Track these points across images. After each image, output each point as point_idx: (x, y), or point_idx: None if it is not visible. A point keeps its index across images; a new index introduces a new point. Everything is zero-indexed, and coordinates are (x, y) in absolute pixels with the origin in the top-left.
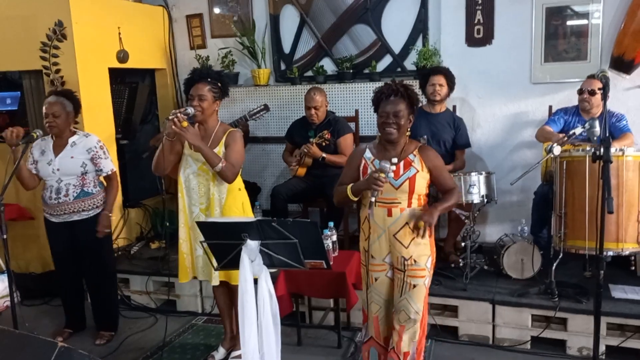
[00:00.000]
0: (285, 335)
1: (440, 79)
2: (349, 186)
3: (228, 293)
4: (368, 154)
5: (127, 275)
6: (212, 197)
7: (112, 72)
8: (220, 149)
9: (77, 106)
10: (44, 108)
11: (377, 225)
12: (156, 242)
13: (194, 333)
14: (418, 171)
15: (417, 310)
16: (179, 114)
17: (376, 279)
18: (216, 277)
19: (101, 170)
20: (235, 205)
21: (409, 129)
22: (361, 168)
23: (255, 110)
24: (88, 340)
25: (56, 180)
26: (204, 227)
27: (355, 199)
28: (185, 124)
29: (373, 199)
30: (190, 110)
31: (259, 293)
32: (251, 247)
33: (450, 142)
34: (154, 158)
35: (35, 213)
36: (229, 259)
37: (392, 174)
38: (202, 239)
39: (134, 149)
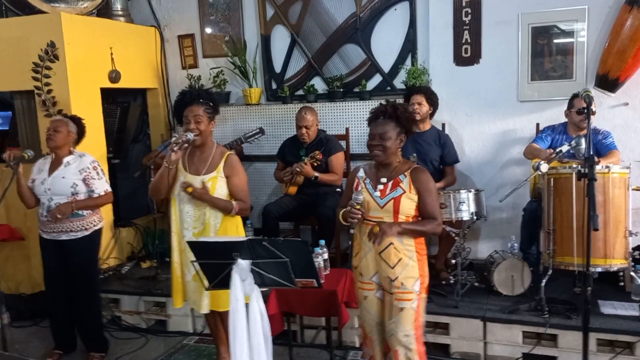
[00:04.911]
0: (277, 355)
1: (419, 98)
2: (341, 212)
3: (218, 315)
4: (361, 173)
5: (117, 296)
6: (207, 221)
7: (104, 91)
8: (217, 174)
9: (81, 131)
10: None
11: (365, 243)
12: (147, 261)
13: (186, 353)
14: (405, 192)
15: (406, 334)
16: (180, 140)
17: (365, 297)
18: (206, 306)
19: (93, 191)
20: (230, 228)
21: (399, 149)
22: (354, 187)
23: (250, 134)
24: None
25: (47, 199)
26: (195, 246)
27: (347, 224)
28: (190, 189)
29: (352, 231)
30: (190, 136)
31: (251, 312)
32: (242, 267)
33: (437, 160)
34: (151, 183)
35: (25, 234)
36: (220, 279)
37: (378, 193)
38: (193, 258)
39: (125, 168)
